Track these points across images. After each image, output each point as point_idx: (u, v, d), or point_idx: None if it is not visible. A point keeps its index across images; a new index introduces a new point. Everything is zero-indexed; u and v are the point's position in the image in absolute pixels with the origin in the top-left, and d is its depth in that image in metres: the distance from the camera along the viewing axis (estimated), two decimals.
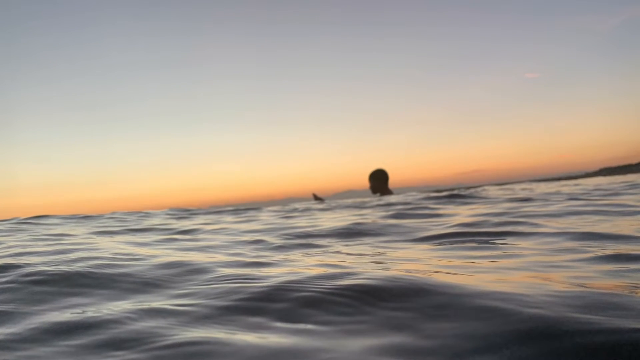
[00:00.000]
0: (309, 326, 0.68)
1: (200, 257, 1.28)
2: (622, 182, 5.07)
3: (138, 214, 4.29)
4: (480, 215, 2.27)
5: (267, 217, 3.17)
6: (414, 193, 5.64)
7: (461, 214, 2.45)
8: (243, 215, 3.63)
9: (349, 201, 4.74)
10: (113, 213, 4.38)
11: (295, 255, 1.41)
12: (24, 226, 2.96)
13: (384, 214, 2.76)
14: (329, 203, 4.78)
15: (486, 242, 1.50)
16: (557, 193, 3.92)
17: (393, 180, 6.12)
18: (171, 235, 2.17)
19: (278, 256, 1.37)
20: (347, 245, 1.61)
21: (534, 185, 6.77)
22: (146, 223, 3.06)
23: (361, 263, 1.16)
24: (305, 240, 1.78)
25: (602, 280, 0.88)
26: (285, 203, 5.49)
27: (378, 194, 5.99)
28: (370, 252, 1.40)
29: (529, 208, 2.54)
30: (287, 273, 0.98)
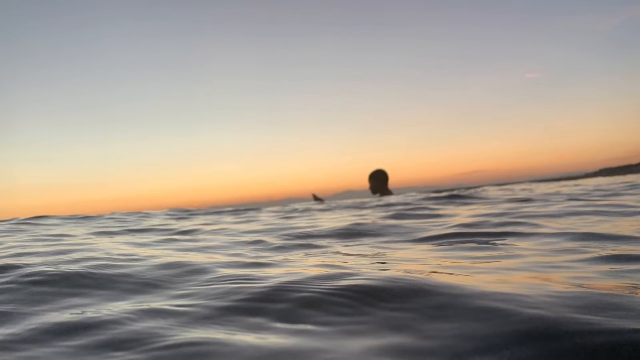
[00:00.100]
0: (309, 327, 0.67)
1: (199, 258, 1.28)
2: (622, 183, 5.07)
3: (138, 214, 4.29)
4: (480, 215, 2.27)
5: (266, 218, 3.17)
6: (413, 193, 5.64)
7: (461, 215, 2.45)
8: (243, 215, 3.63)
9: (349, 201, 4.74)
10: (112, 213, 4.38)
11: (295, 255, 1.41)
12: (23, 227, 2.96)
13: (383, 214, 2.76)
14: (329, 203, 4.78)
15: (486, 242, 1.50)
16: (557, 193, 3.92)
17: (393, 181, 6.13)
18: (171, 236, 2.17)
19: (278, 257, 1.37)
20: (346, 246, 1.61)
21: (533, 185, 6.77)
22: (146, 223, 3.06)
23: (361, 263, 1.15)
24: (305, 240, 1.78)
25: (602, 280, 0.88)
26: (285, 203, 5.49)
27: (378, 195, 5.99)
28: (370, 253, 1.39)
29: (528, 208, 2.54)
30: (287, 273, 0.98)
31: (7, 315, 0.79)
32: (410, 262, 1.16)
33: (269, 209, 4.39)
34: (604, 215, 2.11)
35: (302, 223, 2.51)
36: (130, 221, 3.37)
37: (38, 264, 1.16)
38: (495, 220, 2.02)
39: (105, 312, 0.77)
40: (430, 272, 0.98)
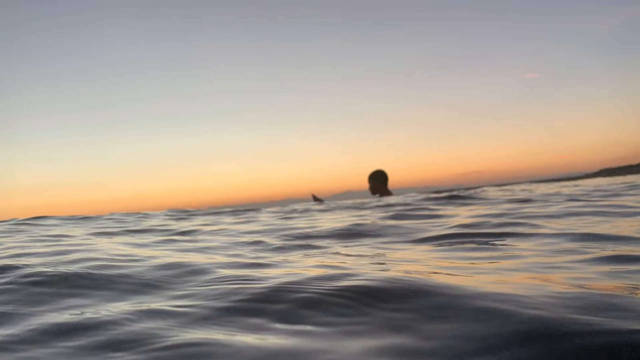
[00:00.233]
0: (308, 327, 0.67)
1: (199, 258, 1.27)
2: (622, 183, 5.07)
3: (137, 215, 4.29)
4: (479, 216, 2.27)
5: (266, 218, 3.17)
6: (413, 194, 5.64)
7: (461, 215, 2.45)
8: (242, 216, 3.63)
9: (348, 202, 4.74)
10: (112, 214, 4.38)
11: (295, 256, 1.41)
12: (22, 227, 2.96)
13: (383, 215, 2.76)
14: (328, 204, 4.78)
15: (486, 243, 1.50)
16: (557, 194, 3.92)
17: (392, 181, 6.13)
18: (170, 237, 2.17)
19: (277, 257, 1.37)
20: (346, 247, 1.61)
21: (533, 186, 6.77)
22: (145, 224, 3.06)
23: (360, 264, 1.15)
24: (305, 241, 1.78)
25: (602, 281, 0.88)
26: (285, 204, 5.49)
27: (377, 195, 5.99)
28: (369, 253, 1.39)
29: (528, 209, 2.54)
30: (287, 274, 0.98)
31: (6, 316, 0.79)
32: (410, 263, 1.16)
33: (269, 209, 4.39)
34: (604, 215, 2.11)
35: (301, 224, 2.51)
36: (129, 222, 3.37)
37: (37, 265, 1.16)
38: (495, 220, 2.02)
39: (104, 312, 0.77)
40: (430, 272, 0.98)
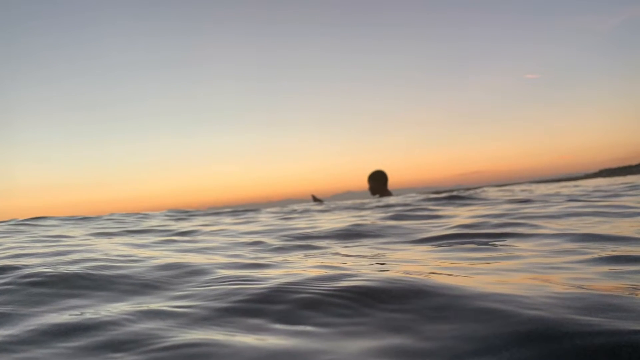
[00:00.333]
0: (308, 328, 0.67)
1: (198, 259, 1.27)
2: (622, 184, 5.07)
3: (136, 215, 4.29)
4: (479, 216, 2.27)
5: (265, 219, 3.17)
6: (413, 194, 5.64)
7: (460, 216, 2.45)
8: (242, 216, 3.63)
9: (348, 202, 4.74)
10: (111, 214, 4.38)
11: (294, 256, 1.41)
12: (22, 227, 2.96)
13: (383, 215, 2.76)
14: (328, 204, 4.78)
15: (485, 243, 1.50)
16: (557, 194, 3.92)
17: (392, 182, 6.13)
18: (170, 237, 2.17)
19: (277, 258, 1.37)
20: (346, 247, 1.61)
21: (533, 186, 6.78)
22: (145, 224, 3.06)
23: (360, 264, 1.15)
24: (304, 241, 1.78)
25: (602, 281, 0.88)
26: (284, 204, 5.49)
27: (377, 195, 5.99)
28: (369, 254, 1.39)
29: (528, 209, 2.54)
30: (286, 275, 0.98)
31: (5, 317, 0.79)
32: (410, 263, 1.16)
33: (268, 209, 4.39)
34: (604, 216, 2.11)
35: (301, 224, 2.51)
36: (129, 222, 3.37)
37: (37, 265, 1.16)
38: (495, 221, 2.02)
39: (104, 313, 0.77)
40: (430, 273, 0.98)
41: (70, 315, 0.78)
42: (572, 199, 3.23)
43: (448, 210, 2.93)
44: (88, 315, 0.76)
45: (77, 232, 2.57)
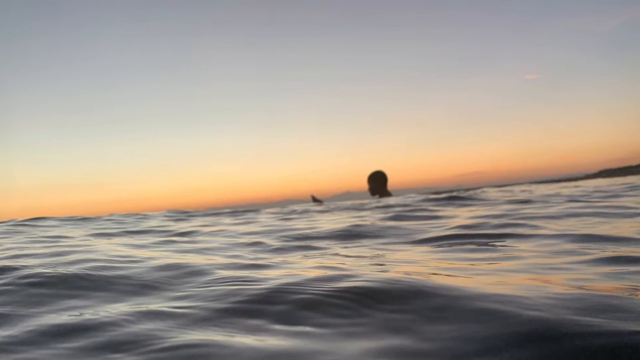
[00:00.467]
0: (308, 329, 0.67)
1: (198, 259, 1.27)
2: (622, 184, 5.07)
3: (136, 216, 4.28)
4: (479, 217, 2.27)
5: (265, 219, 3.16)
6: (412, 195, 5.64)
7: (460, 216, 2.45)
8: (241, 217, 3.62)
9: (348, 203, 4.74)
10: (111, 215, 4.38)
11: (294, 257, 1.41)
12: (21, 228, 2.96)
13: (382, 215, 2.76)
14: (328, 205, 4.78)
15: (485, 244, 1.50)
16: (557, 195, 3.92)
17: (392, 182, 6.13)
18: (169, 237, 2.16)
19: (276, 258, 1.37)
20: (345, 248, 1.61)
21: (533, 187, 6.78)
22: (144, 225, 3.06)
23: (360, 265, 1.15)
24: (304, 242, 1.78)
25: (602, 282, 0.87)
26: (284, 205, 5.49)
27: (377, 196, 5.99)
28: (369, 254, 1.39)
29: (528, 210, 2.54)
30: (286, 275, 0.98)
31: (4, 317, 0.79)
32: (410, 264, 1.16)
33: (268, 210, 4.39)
34: (604, 216, 2.11)
35: (300, 224, 2.51)
36: (128, 223, 3.36)
37: (36, 266, 1.16)
38: (495, 221, 2.02)
39: (103, 314, 0.77)
40: (430, 273, 0.98)
41: (69, 316, 0.78)
42: (572, 199, 3.23)
43: (448, 210, 2.93)
44: (87, 316, 0.76)
45: (77, 232, 2.57)
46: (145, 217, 4.11)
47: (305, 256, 1.42)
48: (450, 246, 1.50)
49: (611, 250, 1.22)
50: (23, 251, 1.55)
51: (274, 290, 0.84)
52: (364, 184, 6.18)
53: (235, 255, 1.44)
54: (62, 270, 1.10)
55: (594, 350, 0.53)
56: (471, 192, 5.64)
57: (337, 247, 1.62)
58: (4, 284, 1.00)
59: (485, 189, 6.78)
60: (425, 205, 3.44)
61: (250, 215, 3.82)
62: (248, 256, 1.43)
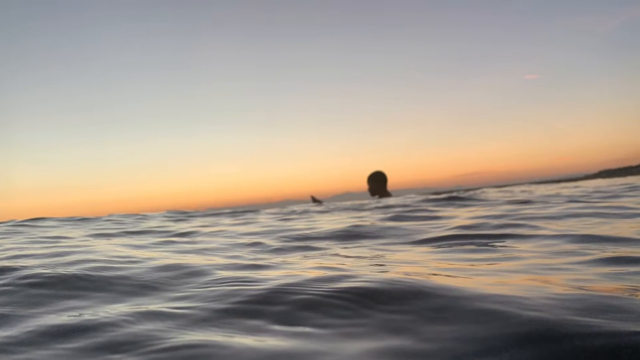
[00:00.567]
0: (307, 329, 0.67)
1: (198, 260, 1.27)
2: (622, 184, 5.08)
3: (135, 216, 4.28)
4: (479, 217, 2.27)
5: (265, 220, 3.16)
6: (412, 195, 5.64)
7: (460, 217, 2.45)
8: (241, 217, 3.62)
9: (348, 203, 4.74)
10: (110, 215, 4.38)
11: (294, 257, 1.41)
12: (20, 228, 2.95)
13: (382, 216, 2.76)
14: (327, 205, 4.78)
15: (485, 244, 1.50)
16: (557, 195, 3.92)
17: (392, 183, 6.13)
18: (169, 238, 2.16)
19: (276, 259, 1.37)
20: (345, 248, 1.61)
21: (533, 187, 6.78)
22: (143, 225, 3.06)
23: (359, 265, 1.15)
24: (304, 242, 1.78)
25: (602, 282, 0.87)
26: (283, 205, 5.49)
27: (377, 196, 5.99)
28: (368, 255, 1.39)
29: (528, 210, 2.54)
30: (285, 276, 0.98)
31: (4, 318, 0.79)
32: (409, 264, 1.16)
33: (267, 210, 4.39)
34: (604, 217, 2.11)
35: (300, 225, 2.51)
36: (128, 223, 3.36)
37: (35, 266, 1.16)
38: (495, 222, 2.02)
39: (102, 314, 0.77)
40: (429, 274, 0.98)
41: (68, 316, 0.78)
42: (572, 199, 3.23)
43: (448, 211, 2.93)
44: (87, 317, 0.76)
45: (76, 233, 2.57)
46: (145, 217, 4.10)
47: (305, 256, 1.42)
48: (450, 247, 1.50)
49: (611, 251, 1.22)
50: (23, 252, 1.55)
51: (274, 291, 0.84)
52: (363, 185, 6.18)
53: (235, 256, 1.44)
54: (61, 270, 1.10)
55: (594, 351, 0.53)
56: (471, 192, 5.64)
57: (337, 248, 1.62)
58: (3, 285, 1.00)
59: (485, 190, 6.79)
60: (425, 205, 3.44)
61: (249, 215, 3.82)
62: (248, 257, 1.43)
